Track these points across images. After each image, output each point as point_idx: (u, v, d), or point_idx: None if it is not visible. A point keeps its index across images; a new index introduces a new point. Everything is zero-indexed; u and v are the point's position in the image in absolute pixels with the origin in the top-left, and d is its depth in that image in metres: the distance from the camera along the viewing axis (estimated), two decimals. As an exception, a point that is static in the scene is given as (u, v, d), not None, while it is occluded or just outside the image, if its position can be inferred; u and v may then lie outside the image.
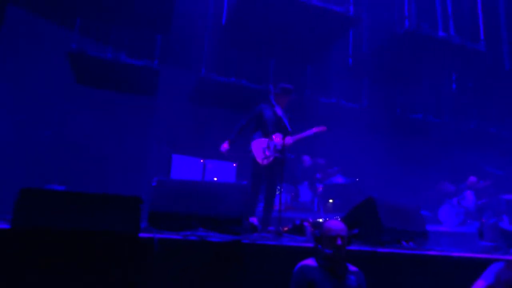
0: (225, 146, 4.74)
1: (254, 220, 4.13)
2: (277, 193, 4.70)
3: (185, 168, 6.69)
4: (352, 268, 2.55)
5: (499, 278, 1.89)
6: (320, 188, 7.13)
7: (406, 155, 8.93)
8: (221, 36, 7.50)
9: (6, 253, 2.38)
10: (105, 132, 7.04)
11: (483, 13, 7.78)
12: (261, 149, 4.61)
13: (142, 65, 6.84)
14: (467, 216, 7.29)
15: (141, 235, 2.71)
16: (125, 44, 6.92)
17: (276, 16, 6.53)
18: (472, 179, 7.62)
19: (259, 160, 4.58)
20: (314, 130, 4.87)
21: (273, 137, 4.65)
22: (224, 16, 7.48)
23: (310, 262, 2.51)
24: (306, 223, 4.16)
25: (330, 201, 6.98)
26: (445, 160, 8.74)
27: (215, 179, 6.81)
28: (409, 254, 3.49)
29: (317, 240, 2.51)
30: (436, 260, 3.53)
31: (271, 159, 4.56)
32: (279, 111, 4.63)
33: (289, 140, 4.66)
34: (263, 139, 4.67)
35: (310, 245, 3.15)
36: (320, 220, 4.32)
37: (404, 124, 8.89)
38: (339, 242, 2.44)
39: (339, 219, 2.83)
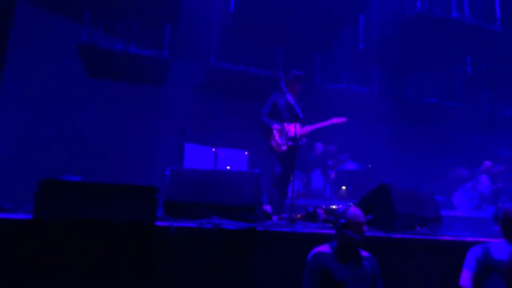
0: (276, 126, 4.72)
1: (267, 207, 4.16)
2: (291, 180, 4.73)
3: (197, 157, 6.74)
4: (364, 253, 2.58)
5: None
6: (332, 175, 7.13)
7: (419, 140, 8.84)
8: (230, 24, 7.44)
9: (29, 242, 2.46)
10: (117, 124, 7.11)
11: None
12: (277, 137, 4.63)
13: (151, 55, 6.86)
14: (482, 201, 7.22)
15: (158, 223, 2.76)
16: (134, 35, 6.94)
17: (284, 2, 6.45)
18: (487, 163, 7.52)
19: (276, 147, 4.61)
20: (334, 120, 4.84)
21: (285, 125, 4.64)
22: (232, 4, 7.41)
23: (324, 248, 2.53)
24: (319, 210, 4.17)
25: (343, 187, 6.98)
26: (459, 145, 8.62)
27: (228, 167, 6.85)
28: (423, 240, 3.48)
29: (343, 226, 2.52)
30: (451, 245, 3.52)
31: (284, 147, 4.58)
32: (290, 99, 4.62)
33: (307, 129, 4.70)
34: (278, 126, 4.68)
35: (324, 231, 3.17)
36: (333, 207, 4.33)
37: (417, 109, 8.77)
38: (365, 228, 2.52)
39: (352, 205, 2.84)
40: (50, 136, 6.66)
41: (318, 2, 6.39)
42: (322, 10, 6.59)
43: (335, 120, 4.86)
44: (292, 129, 4.56)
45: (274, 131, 4.62)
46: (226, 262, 2.88)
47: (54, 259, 2.47)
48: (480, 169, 7.55)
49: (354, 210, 2.57)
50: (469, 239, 3.66)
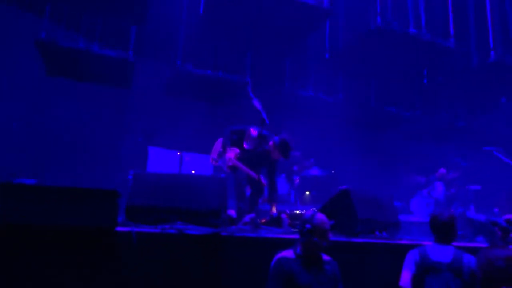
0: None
1: (232, 212, 4.15)
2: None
3: (161, 160, 6.63)
4: (326, 257, 2.63)
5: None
6: (297, 180, 7.22)
7: (380, 147, 9.18)
8: (198, 27, 7.40)
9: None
10: (78, 125, 6.84)
11: (453, 10, 8.03)
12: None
13: (116, 56, 6.66)
14: (437, 206, 7.59)
15: (119, 229, 2.68)
16: (98, 34, 6.72)
17: (252, 7, 6.52)
18: (442, 170, 7.93)
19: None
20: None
21: (251, 130, 4.67)
22: (202, 6, 7.38)
23: (288, 253, 2.56)
24: (283, 215, 4.22)
25: (307, 193, 7.10)
26: (417, 153, 9.04)
27: (193, 172, 6.78)
28: (382, 244, 3.61)
29: (310, 232, 2.55)
30: (408, 248, 3.67)
31: (231, 164, 4.60)
32: (257, 104, 4.65)
33: (240, 164, 4.61)
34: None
35: (288, 236, 3.21)
36: (298, 212, 4.40)
37: (378, 117, 9.11)
38: (330, 233, 2.58)
39: (315, 210, 2.90)
40: (5, 136, 6.29)
41: (284, 8, 6.50)
42: (288, 16, 6.72)
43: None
44: (257, 133, 4.59)
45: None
46: (189, 268, 2.85)
47: (10, 266, 2.33)
48: (435, 176, 7.95)
49: (321, 216, 2.62)
50: (425, 243, 3.83)
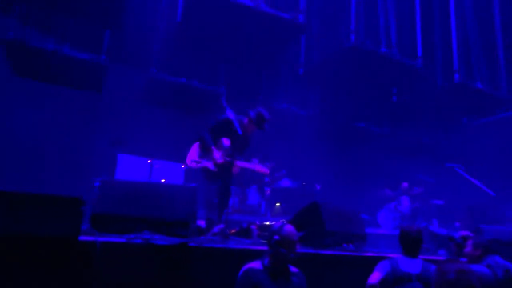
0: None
1: (201, 222, 4.10)
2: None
3: (131, 168, 6.47)
4: (294, 269, 2.65)
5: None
6: (268, 191, 7.25)
7: (349, 161, 9.40)
8: (175, 35, 7.36)
9: None
10: (45, 128, 6.59)
11: (421, 32, 8.44)
12: (218, 149, 4.61)
13: (87, 59, 6.50)
14: (403, 220, 7.82)
15: (82, 238, 2.59)
16: (70, 36, 6.54)
17: (229, 18, 6.57)
18: (405, 185, 8.21)
19: (211, 167, 4.59)
20: (257, 167, 4.94)
21: (224, 140, 4.66)
22: (179, 13, 7.35)
23: (255, 265, 2.56)
24: (253, 226, 4.22)
25: (277, 204, 7.13)
26: (384, 167, 9.31)
27: (163, 180, 6.66)
28: (349, 256, 3.68)
29: (277, 243, 2.55)
30: (373, 261, 3.75)
31: (221, 161, 4.58)
32: (230, 114, 4.65)
33: (236, 167, 4.66)
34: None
35: (256, 247, 3.21)
36: (267, 223, 4.41)
37: (348, 132, 9.35)
38: (297, 245, 2.59)
39: (286, 222, 2.92)
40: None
41: (259, 22, 6.59)
42: (264, 29, 6.82)
43: (258, 167, 4.95)
44: (229, 144, 4.59)
45: (212, 149, 4.62)
46: (156, 279, 2.78)
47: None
48: (400, 190, 8.22)
49: (289, 228, 2.63)
50: (390, 255, 3.94)
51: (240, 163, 4.77)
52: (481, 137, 9.04)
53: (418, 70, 7.87)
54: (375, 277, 2.91)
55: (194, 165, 4.65)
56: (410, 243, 3.07)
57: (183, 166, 6.99)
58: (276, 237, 2.56)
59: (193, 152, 4.69)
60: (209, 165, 4.58)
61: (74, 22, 6.60)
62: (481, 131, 9.24)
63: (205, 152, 4.65)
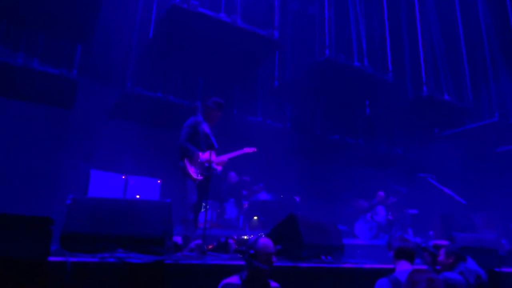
0: (205, 156, 4.56)
1: (178, 239, 4.02)
2: (203, 210, 4.65)
3: (105, 184, 6.30)
4: (274, 284, 2.62)
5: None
6: (245, 205, 7.21)
7: (325, 173, 9.52)
8: (148, 49, 7.32)
9: None
10: (12, 146, 6.34)
11: (391, 47, 8.78)
12: (194, 164, 4.54)
13: (57, 74, 6.34)
14: (379, 230, 7.94)
15: (51, 259, 2.47)
16: (40, 50, 6.39)
17: (202, 34, 6.61)
18: (381, 193, 8.37)
19: (194, 175, 4.50)
20: (245, 150, 5.04)
21: (200, 154, 4.62)
22: (152, 30, 7.34)
23: (233, 279, 2.52)
24: (230, 240, 4.17)
25: (255, 218, 7.09)
26: (359, 178, 9.48)
27: (138, 196, 6.51)
28: (327, 268, 3.68)
29: (252, 257, 2.53)
30: (351, 272, 3.78)
31: (200, 177, 4.52)
32: (206, 128, 4.64)
33: (222, 158, 4.76)
34: (200, 155, 4.62)
35: (234, 262, 3.17)
36: (245, 237, 4.37)
37: (323, 145, 9.50)
38: (273, 258, 2.56)
39: (264, 236, 2.90)
40: None
41: (235, 37, 6.67)
42: (239, 44, 6.90)
43: (247, 150, 5.09)
44: (207, 158, 4.55)
45: (193, 159, 4.55)
46: (130, 299, 2.68)
47: None
48: (376, 200, 8.36)
49: (264, 241, 2.62)
50: (367, 266, 3.98)
51: (225, 156, 4.78)
52: (451, 147, 9.38)
53: (389, 84, 8.14)
54: None
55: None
56: (409, 254, 3.00)
57: (158, 181, 6.86)
58: (251, 251, 2.54)
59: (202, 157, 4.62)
60: (193, 172, 4.50)
61: (44, 37, 6.46)
62: (450, 142, 9.60)
63: (190, 160, 4.57)
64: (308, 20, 8.29)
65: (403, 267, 2.97)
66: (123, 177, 6.58)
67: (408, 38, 9.42)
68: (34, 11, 5.96)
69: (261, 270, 2.50)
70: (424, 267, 3.54)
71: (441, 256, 3.40)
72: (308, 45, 8.16)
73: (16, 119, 6.57)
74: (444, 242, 3.69)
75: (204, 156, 4.60)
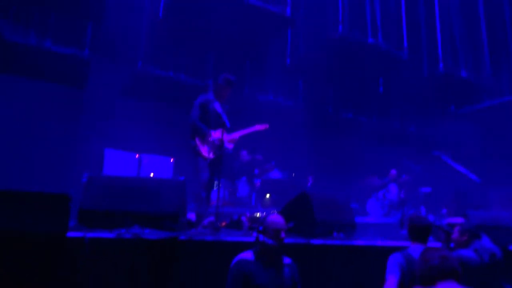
0: (216, 134, 4.58)
1: (191, 215, 4.08)
2: (215, 188, 4.69)
3: (119, 163, 6.40)
4: (287, 260, 2.66)
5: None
6: (257, 183, 7.25)
7: (337, 151, 9.45)
8: (159, 28, 7.26)
9: None
10: (28, 125, 6.44)
11: (407, 23, 8.50)
12: (205, 143, 4.55)
13: (70, 53, 6.36)
14: (391, 208, 7.93)
15: (70, 234, 2.55)
16: (52, 30, 6.39)
17: (213, 12, 6.51)
18: (393, 172, 8.31)
19: (205, 154, 4.52)
20: (257, 127, 5.00)
21: (212, 132, 4.62)
22: (162, 8, 7.25)
23: (247, 255, 2.56)
24: (243, 218, 4.22)
25: (267, 195, 7.14)
26: (372, 156, 9.40)
27: (152, 174, 6.60)
28: (339, 245, 3.71)
29: (260, 233, 2.57)
30: (363, 249, 3.81)
31: (212, 155, 4.53)
32: (218, 107, 4.61)
33: (234, 135, 4.75)
34: (212, 133, 4.62)
35: (247, 239, 3.21)
36: (257, 214, 4.42)
37: (336, 122, 9.40)
38: (282, 234, 2.56)
39: (276, 213, 2.93)
40: None
41: (246, 14, 6.56)
42: (251, 22, 6.78)
43: (258, 127, 5.05)
44: (219, 136, 4.55)
45: (205, 137, 4.56)
46: (146, 273, 2.76)
47: None
48: (389, 178, 8.31)
49: (273, 217, 2.64)
50: (379, 243, 3.99)
51: (236, 134, 4.78)
52: (466, 125, 9.19)
53: (404, 61, 7.94)
54: (391, 282, 2.70)
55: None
56: (422, 232, 2.98)
57: (171, 159, 6.93)
58: (260, 227, 2.58)
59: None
60: (204, 151, 4.52)
61: (55, 16, 6.44)
62: (468, 119, 9.40)
63: (202, 139, 4.58)
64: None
65: (417, 245, 2.97)
66: (137, 155, 6.66)
67: (425, 13, 9.10)
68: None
69: (269, 246, 2.52)
70: (438, 245, 3.54)
71: (455, 234, 3.38)
72: (321, 21, 7.95)
73: (30, 98, 6.64)
74: (458, 220, 3.66)
75: (215, 134, 4.60)
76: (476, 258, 3.13)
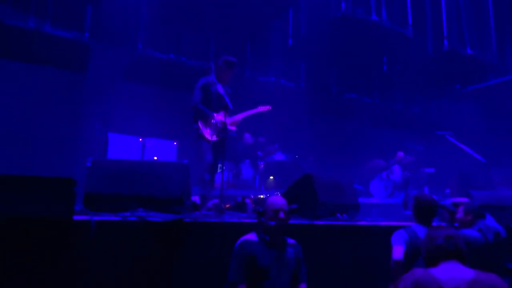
0: (219, 117, 4.58)
1: (196, 198, 4.12)
2: (219, 171, 4.71)
3: (123, 147, 6.42)
4: (290, 240, 2.68)
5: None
6: (261, 165, 7.28)
7: (341, 133, 9.44)
8: (159, 10, 7.14)
9: None
10: (30, 110, 6.45)
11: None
12: (208, 126, 4.54)
13: (69, 37, 6.30)
14: (394, 189, 7.96)
15: (76, 217, 2.58)
16: (50, 13, 6.31)
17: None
18: (400, 154, 8.30)
19: (208, 136, 4.52)
20: (259, 109, 5.00)
21: (215, 115, 4.60)
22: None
23: (251, 237, 2.59)
24: (247, 200, 4.25)
25: (271, 178, 7.17)
26: (375, 137, 9.37)
27: (155, 158, 6.63)
28: (343, 225, 3.75)
29: (260, 214, 2.60)
30: (366, 229, 3.84)
31: (215, 138, 4.53)
32: (220, 89, 4.58)
33: (237, 117, 4.75)
34: (215, 115, 4.60)
35: (252, 221, 3.24)
36: (261, 196, 4.45)
37: (339, 104, 9.33)
38: (281, 215, 2.56)
39: (279, 195, 2.94)
40: None
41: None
42: (254, 3, 6.65)
43: (261, 108, 5.05)
44: (222, 119, 4.54)
45: (208, 119, 4.54)
46: (152, 255, 2.80)
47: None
48: (394, 159, 8.31)
49: (272, 198, 2.65)
50: (382, 223, 4.02)
51: (239, 116, 4.79)
52: (473, 103, 9.09)
53: (408, 38, 7.79)
54: (398, 251, 2.76)
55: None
56: (426, 211, 2.99)
57: (175, 143, 6.94)
58: (260, 208, 2.60)
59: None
60: (207, 134, 4.52)
61: (54, -1, 6.35)
62: (472, 98, 9.29)
63: (204, 122, 4.57)
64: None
65: (421, 223, 2.99)
66: (140, 139, 6.68)
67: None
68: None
69: (269, 226, 2.54)
70: (442, 224, 3.56)
71: (460, 214, 3.39)
72: (323, 0, 7.78)
73: (31, 83, 6.61)
74: (463, 200, 3.67)
75: (218, 117, 4.59)
76: (481, 237, 3.15)
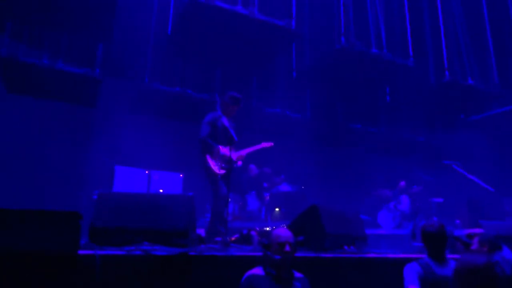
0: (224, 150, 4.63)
1: (201, 231, 4.09)
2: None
3: (129, 180, 6.46)
4: (298, 274, 2.63)
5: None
6: (267, 197, 7.23)
7: (347, 163, 9.41)
8: (166, 45, 7.40)
9: None
10: (41, 144, 6.57)
11: (411, 31, 8.52)
12: (214, 158, 4.60)
13: (81, 73, 6.52)
14: (403, 219, 7.81)
15: (81, 252, 2.57)
16: (64, 51, 6.57)
17: (220, 27, 6.63)
18: (402, 183, 8.21)
19: (216, 170, 4.56)
20: (262, 145, 5.09)
21: (220, 147, 4.66)
22: (170, 26, 7.41)
23: (257, 271, 2.55)
24: (253, 232, 4.20)
25: (277, 209, 7.11)
26: (381, 167, 9.32)
27: (161, 190, 6.64)
28: (350, 258, 3.67)
29: (266, 247, 2.56)
30: (375, 261, 3.76)
31: (222, 171, 4.57)
32: (225, 122, 4.67)
33: (242, 152, 4.84)
34: (222, 149, 4.67)
35: (258, 254, 3.20)
36: (267, 228, 4.40)
37: (345, 134, 9.37)
38: (287, 248, 2.51)
39: (285, 227, 2.91)
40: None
41: (253, 29, 6.65)
42: (257, 36, 6.87)
43: (264, 145, 5.16)
44: (228, 152, 4.59)
45: (215, 153, 4.61)
46: (157, 290, 2.76)
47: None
48: (398, 189, 8.21)
49: (278, 231, 2.62)
50: (391, 255, 3.94)
51: (243, 152, 4.85)
52: (477, 132, 9.07)
53: (410, 69, 7.93)
54: None
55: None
56: (438, 241, 2.86)
57: (181, 175, 6.97)
58: (266, 241, 2.56)
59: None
60: (215, 167, 4.56)
61: (67, 37, 6.63)
62: (477, 127, 9.28)
63: (211, 156, 4.63)
64: (325, 7, 8.13)
65: (433, 255, 2.86)
66: (147, 172, 6.72)
67: (430, 21, 9.11)
68: (55, 13, 6.13)
69: (274, 260, 2.50)
70: (456, 257, 3.46)
71: (475, 245, 3.23)
72: (326, 33, 8.02)
73: (43, 118, 6.79)
74: (477, 231, 3.56)
75: (224, 149, 4.65)
76: (498, 270, 3.03)
